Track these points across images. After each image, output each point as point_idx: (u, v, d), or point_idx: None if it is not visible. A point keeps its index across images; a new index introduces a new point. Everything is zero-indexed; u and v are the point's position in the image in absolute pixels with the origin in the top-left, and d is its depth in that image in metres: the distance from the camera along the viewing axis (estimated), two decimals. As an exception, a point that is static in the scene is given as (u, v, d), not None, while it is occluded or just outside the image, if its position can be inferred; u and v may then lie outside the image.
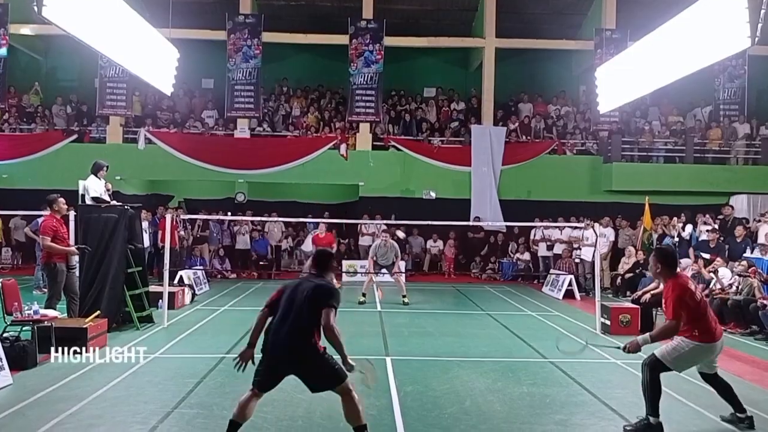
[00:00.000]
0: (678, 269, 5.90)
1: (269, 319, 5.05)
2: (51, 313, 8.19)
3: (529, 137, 20.27)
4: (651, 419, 5.57)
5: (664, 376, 5.70)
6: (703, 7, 8.55)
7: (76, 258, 9.31)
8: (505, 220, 18.29)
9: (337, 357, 4.90)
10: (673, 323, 5.56)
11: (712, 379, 5.88)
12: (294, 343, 4.83)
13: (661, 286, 10.72)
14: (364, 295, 13.62)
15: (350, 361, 4.88)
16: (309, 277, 5.20)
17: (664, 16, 9.79)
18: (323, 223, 15.76)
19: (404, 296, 13.47)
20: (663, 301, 5.89)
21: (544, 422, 5.92)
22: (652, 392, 5.61)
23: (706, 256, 13.22)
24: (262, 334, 5.01)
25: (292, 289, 5.05)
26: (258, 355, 4.99)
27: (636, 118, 20.62)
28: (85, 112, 20.24)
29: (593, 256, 14.83)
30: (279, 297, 5.08)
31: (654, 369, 5.63)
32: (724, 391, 5.86)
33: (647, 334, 5.73)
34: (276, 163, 19.11)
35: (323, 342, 4.88)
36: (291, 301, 4.96)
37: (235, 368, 5.00)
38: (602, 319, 10.58)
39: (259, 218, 17.81)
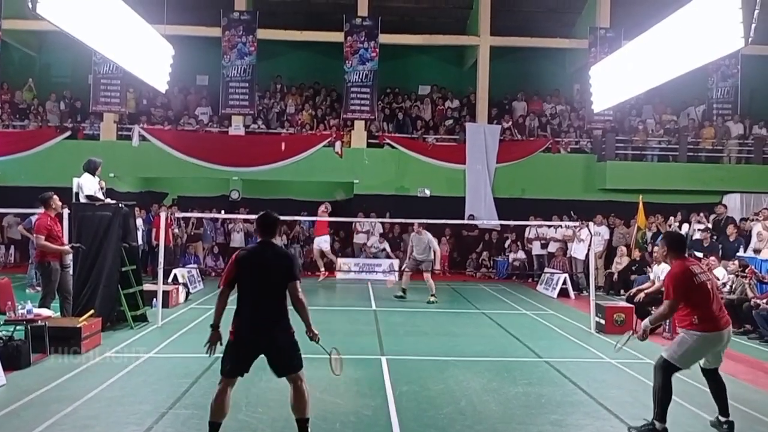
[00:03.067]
0: (686, 254, 5.90)
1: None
2: (45, 312, 8.16)
3: (523, 135, 20.29)
4: (657, 424, 5.54)
5: None
6: (696, 7, 8.56)
7: (70, 256, 9.27)
8: (499, 218, 18.34)
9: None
10: (668, 302, 5.59)
11: (711, 374, 5.79)
12: (270, 323, 4.93)
13: (656, 284, 10.86)
14: (404, 290, 13.88)
15: (313, 329, 5.06)
16: (262, 246, 5.16)
17: (658, 16, 9.80)
18: (324, 210, 15.63)
19: (432, 295, 13.56)
20: (664, 284, 5.96)
21: (539, 422, 5.94)
22: (663, 397, 5.55)
23: (699, 255, 13.27)
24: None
25: (251, 264, 5.02)
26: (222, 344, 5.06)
27: (630, 117, 20.66)
28: (78, 109, 20.13)
29: (586, 254, 14.93)
30: (236, 273, 5.02)
31: (665, 371, 5.57)
32: (718, 389, 5.76)
33: (647, 318, 5.91)
34: (270, 161, 19.08)
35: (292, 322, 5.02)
36: (254, 276, 4.98)
37: (205, 353, 5.04)
38: (597, 318, 10.61)
39: (253, 216, 17.73)
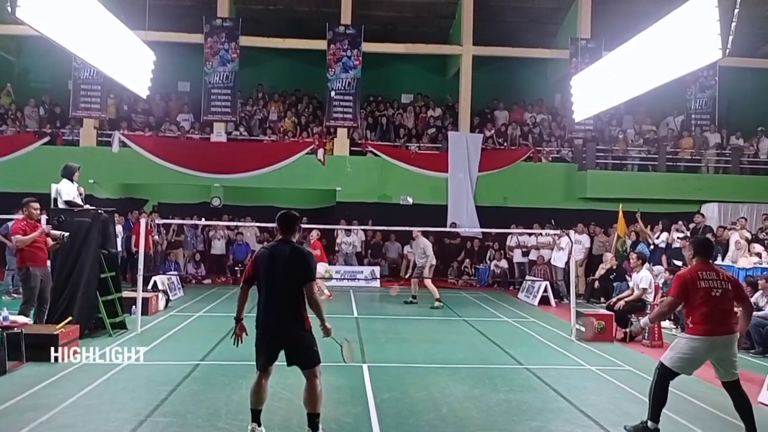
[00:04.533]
0: (710, 260, 5.99)
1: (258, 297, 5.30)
2: (21, 319, 8.05)
3: (505, 144, 20.42)
4: (650, 424, 5.61)
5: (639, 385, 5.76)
6: (675, 19, 8.69)
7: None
8: (481, 227, 18.41)
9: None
10: (669, 298, 5.73)
11: (732, 387, 5.64)
12: (287, 319, 5.14)
13: (636, 292, 10.96)
14: (414, 297, 14.20)
15: (327, 325, 5.25)
16: (280, 244, 5.28)
17: (637, 27, 9.92)
18: (316, 230, 15.70)
19: (437, 299, 13.84)
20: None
21: (520, 429, 5.95)
22: (657, 398, 5.63)
23: (678, 263, 13.42)
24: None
25: (269, 261, 5.18)
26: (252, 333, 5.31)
27: (611, 127, 20.89)
28: (58, 114, 19.93)
29: (566, 262, 15.04)
30: (255, 270, 5.25)
31: (661, 373, 5.66)
32: (741, 405, 5.61)
33: (646, 317, 6.15)
34: (252, 168, 19.01)
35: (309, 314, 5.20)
36: (272, 274, 5.14)
37: (233, 344, 5.39)
38: (577, 326, 10.67)
39: (234, 223, 17.67)
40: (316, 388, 5.20)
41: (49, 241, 9.00)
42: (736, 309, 5.72)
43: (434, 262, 14.54)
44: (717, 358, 5.60)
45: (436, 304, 13.78)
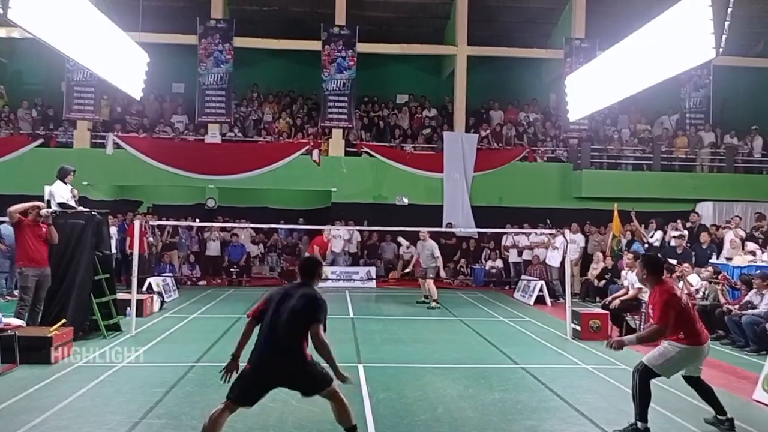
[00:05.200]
0: (663, 273, 6.00)
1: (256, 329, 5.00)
2: (15, 321, 8.01)
3: (500, 144, 20.43)
4: (639, 424, 5.63)
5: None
6: (669, 19, 8.71)
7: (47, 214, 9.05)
8: (476, 226, 18.42)
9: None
10: (659, 327, 5.65)
11: (695, 382, 5.96)
12: (284, 358, 4.81)
13: (631, 291, 10.98)
14: (426, 297, 14.27)
15: (343, 372, 4.88)
16: (296, 286, 5.11)
17: (631, 27, 9.94)
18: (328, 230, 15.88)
19: (435, 300, 13.90)
20: (650, 306, 6.01)
21: (515, 428, 5.95)
22: (642, 398, 5.67)
23: (673, 262, 13.44)
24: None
25: (279, 299, 4.97)
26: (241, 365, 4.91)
27: (605, 126, 20.92)
28: (51, 117, 19.86)
29: (561, 261, 15.06)
30: (266, 306, 5.00)
31: (644, 376, 5.70)
32: (706, 393, 5.96)
33: (635, 335, 5.94)
34: (247, 169, 18.98)
35: (310, 349, 4.86)
36: (278, 312, 4.88)
37: (220, 380, 4.93)
38: (573, 325, 10.68)
39: (229, 224, 17.65)
40: (345, 403, 5.02)
41: (52, 233, 8.97)
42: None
43: (442, 263, 14.79)
44: (698, 362, 5.86)
45: (434, 304, 13.82)
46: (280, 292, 5.08)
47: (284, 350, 4.80)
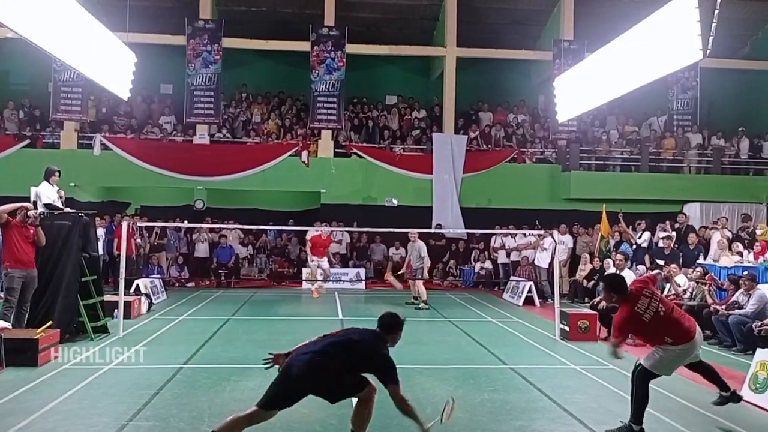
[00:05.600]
0: (628, 288, 5.80)
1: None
2: (0, 323, 7.93)
3: (489, 146, 20.48)
4: (634, 427, 5.62)
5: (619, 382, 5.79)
6: (656, 21, 8.77)
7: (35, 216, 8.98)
8: (466, 228, 18.44)
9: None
10: (613, 341, 5.86)
11: (697, 365, 6.01)
12: (318, 371, 4.77)
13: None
14: (415, 298, 14.32)
15: (428, 428, 4.92)
16: (372, 332, 5.12)
17: (619, 28, 10.01)
18: (322, 225, 15.95)
19: (424, 301, 13.99)
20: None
21: (505, 429, 5.96)
22: (640, 401, 5.65)
23: (661, 262, 13.53)
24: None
25: (348, 331, 5.12)
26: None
27: (594, 128, 21.01)
28: (38, 117, 19.68)
29: (550, 262, 15.11)
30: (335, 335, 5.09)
31: (644, 379, 5.69)
32: (708, 372, 6.07)
33: (610, 344, 5.95)
34: (236, 170, 18.90)
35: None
36: (340, 337, 5.00)
37: (263, 364, 5.07)
38: (561, 326, 10.71)
39: (218, 226, 17.58)
40: (370, 411, 5.11)
41: (39, 234, 8.90)
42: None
43: (429, 263, 14.85)
44: (694, 353, 5.83)
45: (422, 305, 13.85)
46: (351, 329, 5.21)
47: (326, 361, 4.77)
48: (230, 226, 17.53)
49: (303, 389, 4.83)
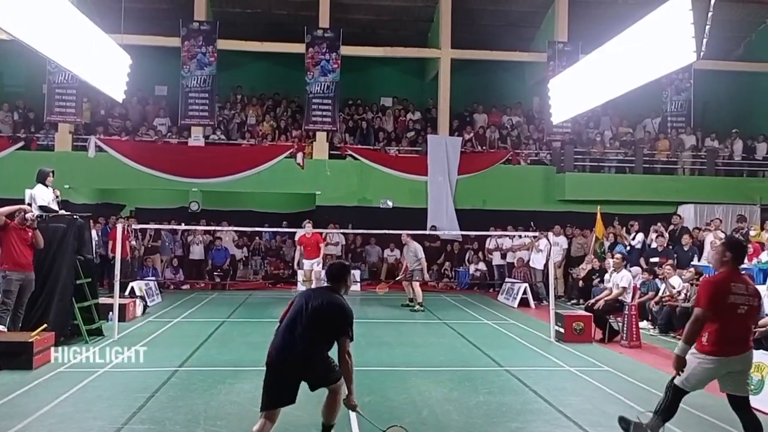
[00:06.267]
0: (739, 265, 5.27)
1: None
2: (-4, 327, 7.91)
3: (484, 147, 20.51)
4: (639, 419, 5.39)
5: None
6: (650, 22, 8.81)
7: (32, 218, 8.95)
8: (460, 229, 18.45)
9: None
10: (696, 310, 5.03)
11: (741, 406, 5.14)
12: (299, 352, 4.89)
13: (614, 292, 11.05)
14: (411, 300, 14.34)
15: (353, 401, 5.10)
16: (323, 290, 5.24)
17: (614, 30, 10.04)
18: (309, 223, 15.45)
19: (419, 303, 14.05)
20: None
21: (500, 431, 5.96)
22: (666, 412, 5.28)
23: (655, 259, 13.60)
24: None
25: (304, 299, 5.09)
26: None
27: (588, 129, 21.06)
28: (32, 119, 19.63)
29: (545, 264, 15.13)
30: (292, 306, 5.16)
31: (675, 393, 5.23)
32: (751, 427, 5.10)
33: (680, 342, 5.13)
34: (231, 172, 18.88)
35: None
36: (300, 312, 5.00)
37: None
38: (556, 327, 10.72)
39: (213, 228, 17.55)
40: (338, 402, 5.17)
41: (38, 237, 8.88)
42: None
43: (425, 264, 14.87)
44: (729, 373, 5.08)
45: (418, 307, 13.87)
46: (305, 295, 5.20)
47: (300, 346, 4.89)
48: (225, 228, 17.52)
49: (295, 381, 4.98)
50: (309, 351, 4.91)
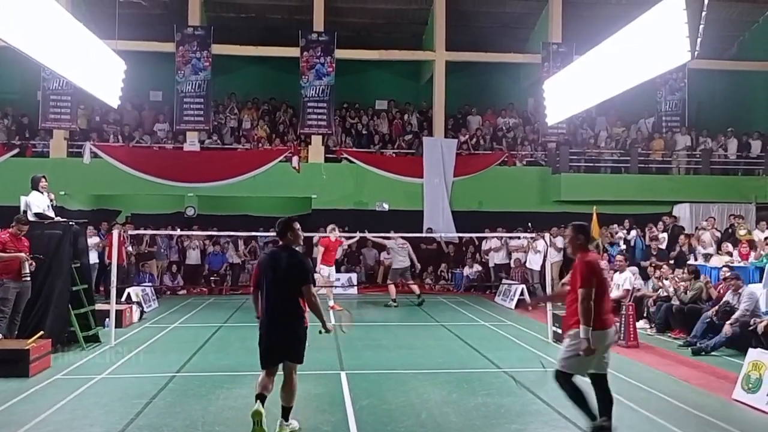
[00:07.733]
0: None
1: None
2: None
3: (479, 149, 20.52)
4: (600, 420, 5.42)
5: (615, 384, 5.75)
6: (644, 22, 8.82)
7: (29, 274, 8.92)
8: (457, 231, 18.46)
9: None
10: (583, 290, 5.33)
11: (599, 382, 5.51)
12: (285, 317, 5.52)
13: (614, 293, 11.04)
14: (394, 300, 14.59)
15: (328, 326, 5.85)
16: (279, 250, 5.72)
17: (608, 31, 10.05)
18: (334, 227, 14.36)
19: (393, 299, 14.51)
20: (572, 276, 5.68)
21: (499, 433, 5.95)
22: (576, 401, 5.44)
23: (646, 263, 13.63)
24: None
25: (269, 266, 5.60)
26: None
27: (583, 129, 21.10)
28: (26, 126, 19.59)
29: (542, 265, 15.14)
30: (259, 274, 5.68)
31: (565, 380, 5.48)
32: (605, 399, 5.47)
33: (581, 326, 5.30)
34: (227, 176, 18.86)
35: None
36: (273, 279, 5.53)
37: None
38: (554, 328, 10.71)
39: (210, 233, 17.52)
40: (295, 384, 5.60)
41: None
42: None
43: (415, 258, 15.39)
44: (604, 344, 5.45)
45: (390, 303, 14.49)
46: (266, 259, 5.76)
47: (283, 311, 5.51)
48: (222, 233, 17.45)
49: (284, 348, 5.62)
50: (294, 320, 5.53)
